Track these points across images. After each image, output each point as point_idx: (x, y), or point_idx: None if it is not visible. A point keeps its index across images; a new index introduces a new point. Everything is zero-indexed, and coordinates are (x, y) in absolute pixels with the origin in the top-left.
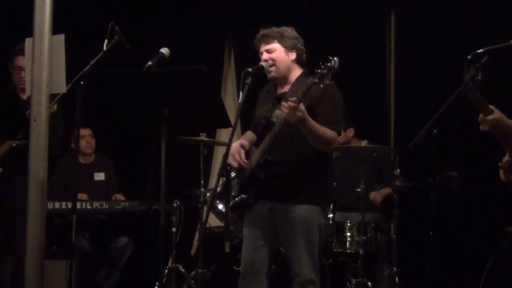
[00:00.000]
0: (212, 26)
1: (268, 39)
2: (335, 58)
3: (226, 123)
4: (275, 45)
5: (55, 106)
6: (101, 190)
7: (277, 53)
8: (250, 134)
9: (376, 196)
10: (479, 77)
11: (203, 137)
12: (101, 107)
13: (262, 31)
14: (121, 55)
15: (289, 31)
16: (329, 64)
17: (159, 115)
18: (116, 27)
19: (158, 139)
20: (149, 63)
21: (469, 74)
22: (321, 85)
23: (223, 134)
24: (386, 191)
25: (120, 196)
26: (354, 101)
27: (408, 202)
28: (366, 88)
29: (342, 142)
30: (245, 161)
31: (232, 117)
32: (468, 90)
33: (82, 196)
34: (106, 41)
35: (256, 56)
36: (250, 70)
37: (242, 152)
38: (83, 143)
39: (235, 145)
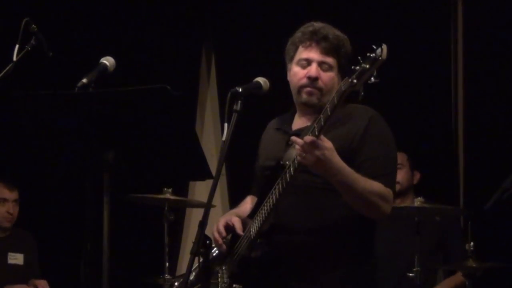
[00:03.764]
0: (183, 25)
1: (327, 46)
2: (382, 46)
3: (203, 173)
4: (333, 61)
5: None
6: (17, 279)
7: (332, 75)
8: (250, 202)
9: None
10: None
11: (168, 194)
12: (10, 148)
13: (317, 27)
14: (44, 68)
15: (344, 37)
16: (373, 55)
17: (100, 161)
18: (33, 25)
19: (99, 199)
20: (84, 80)
21: None
22: (361, 90)
23: (199, 190)
24: (452, 283)
25: (43, 284)
26: (404, 136)
27: None
28: (420, 118)
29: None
30: (241, 232)
31: (213, 163)
32: None
33: None
34: (16, 46)
35: (249, 69)
36: (240, 90)
37: (237, 222)
38: (1, 212)
39: (223, 219)
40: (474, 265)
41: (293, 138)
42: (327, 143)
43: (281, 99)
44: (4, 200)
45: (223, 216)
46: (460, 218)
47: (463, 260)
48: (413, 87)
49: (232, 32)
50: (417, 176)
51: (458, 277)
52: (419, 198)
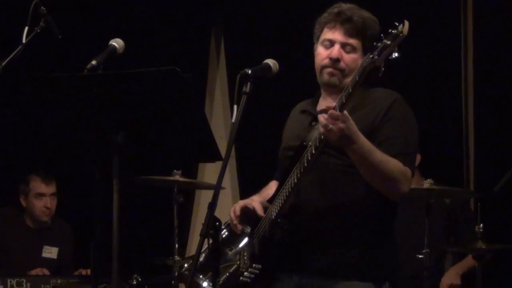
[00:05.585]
0: (192, 7)
1: (350, 28)
2: (404, 22)
3: (213, 155)
4: (357, 43)
5: None
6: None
7: (355, 57)
8: (273, 188)
9: (453, 281)
10: None
11: (177, 176)
12: (19, 129)
13: (343, 8)
14: (53, 50)
15: (372, 19)
16: (394, 31)
17: (110, 143)
18: (42, 7)
19: (108, 180)
20: (93, 62)
21: None
22: (381, 66)
23: (208, 172)
24: (464, 265)
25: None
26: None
27: (496, 274)
28: (430, 102)
29: None
30: (262, 214)
31: (223, 145)
32: None
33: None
34: (26, 29)
35: (259, 51)
36: (249, 71)
37: (258, 205)
38: (38, 206)
39: (242, 201)
40: (483, 247)
41: (319, 116)
42: (347, 116)
43: (291, 81)
44: (41, 194)
45: (244, 200)
46: (470, 200)
47: (473, 242)
48: (423, 70)
49: (241, 14)
50: (418, 158)
51: (469, 261)
52: (428, 180)
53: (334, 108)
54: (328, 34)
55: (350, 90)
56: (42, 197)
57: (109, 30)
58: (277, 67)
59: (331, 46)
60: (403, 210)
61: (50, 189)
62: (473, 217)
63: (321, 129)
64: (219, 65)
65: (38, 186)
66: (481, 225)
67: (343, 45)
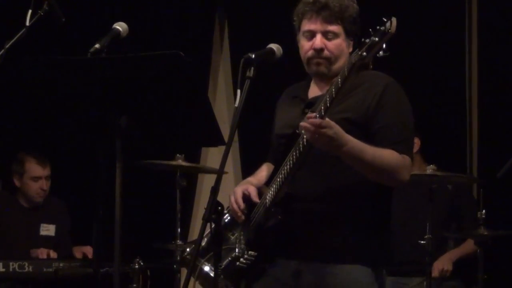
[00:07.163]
0: None
1: (328, 15)
2: (391, 19)
3: (216, 139)
4: (337, 28)
5: None
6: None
7: (338, 43)
8: (266, 170)
9: (444, 266)
10: None
11: (180, 160)
12: (22, 113)
13: None
14: (61, 36)
15: (348, 2)
16: (382, 28)
17: (113, 127)
18: None
19: (111, 164)
20: (96, 45)
21: None
22: (370, 64)
23: (211, 156)
24: (460, 252)
25: (89, 250)
26: (416, 107)
27: (498, 260)
28: (434, 87)
29: None
30: (257, 200)
31: (226, 129)
32: None
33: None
34: (29, 12)
35: (262, 35)
36: (252, 56)
37: (253, 190)
38: (34, 188)
39: (240, 188)
40: (485, 233)
41: (302, 124)
42: (330, 122)
43: (295, 65)
44: (38, 177)
45: (239, 185)
46: (473, 186)
47: (475, 228)
48: (426, 55)
49: None
50: (417, 143)
51: (469, 245)
52: (431, 165)
53: (317, 114)
54: (307, 25)
55: (340, 85)
56: (38, 180)
57: (113, 13)
58: (281, 51)
59: (312, 37)
60: (405, 195)
61: (46, 171)
62: (475, 203)
63: (307, 137)
64: (223, 49)
65: (35, 169)
66: (484, 211)
67: (324, 33)
